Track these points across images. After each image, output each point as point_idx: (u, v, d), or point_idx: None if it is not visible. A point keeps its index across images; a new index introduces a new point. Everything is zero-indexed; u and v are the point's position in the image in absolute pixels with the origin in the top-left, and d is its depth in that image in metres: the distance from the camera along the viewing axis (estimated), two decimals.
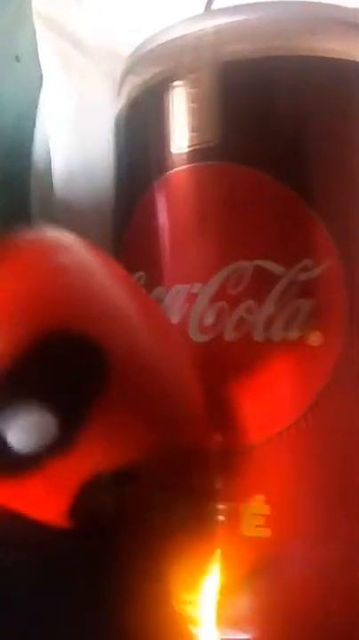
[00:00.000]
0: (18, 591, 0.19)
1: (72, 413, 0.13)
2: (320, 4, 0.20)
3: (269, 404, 0.18)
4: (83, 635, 0.22)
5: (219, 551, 0.19)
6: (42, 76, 0.31)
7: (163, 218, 0.20)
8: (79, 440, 0.13)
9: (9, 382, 0.12)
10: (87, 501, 0.13)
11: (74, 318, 0.13)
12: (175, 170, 0.20)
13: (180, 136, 0.20)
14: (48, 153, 0.30)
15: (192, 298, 0.18)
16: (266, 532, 0.18)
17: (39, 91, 0.32)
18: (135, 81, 0.22)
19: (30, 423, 0.12)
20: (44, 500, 0.14)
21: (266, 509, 0.18)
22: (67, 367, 0.13)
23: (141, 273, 0.20)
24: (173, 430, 0.14)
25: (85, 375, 0.13)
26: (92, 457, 0.13)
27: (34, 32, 0.30)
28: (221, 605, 0.19)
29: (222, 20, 0.20)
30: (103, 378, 0.13)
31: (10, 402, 0.12)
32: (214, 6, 0.29)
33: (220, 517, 0.19)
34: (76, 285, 0.13)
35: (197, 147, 0.19)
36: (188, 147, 0.19)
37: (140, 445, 0.14)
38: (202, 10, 0.30)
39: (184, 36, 0.20)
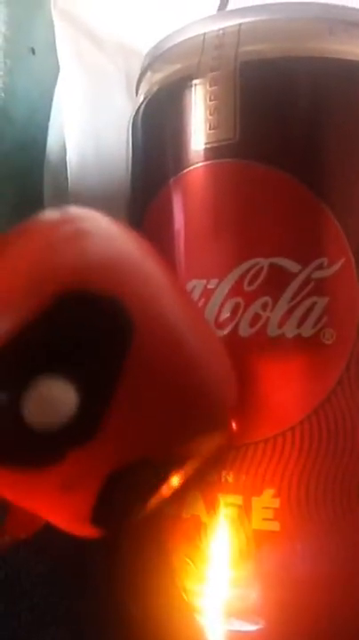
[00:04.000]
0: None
1: (96, 387, 0.12)
2: (337, 5, 0.21)
3: (281, 399, 0.19)
4: (91, 621, 0.22)
5: (228, 543, 0.19)
6: (56, 68, 0.31)
7: (179, 214, 0.20)
8: (106, 420, 0.12)
9: (24, 351, 0.11)
10: (113, 500, 0.13)
11: (94, 278, 0.12)
12: (192, 167, 0.20)
13: (199, 133, 0.20)
14: (62, 146, 0.30)
15: (208, 293, 0.19)
16: (275, 526, 0.18)
17: (54, 83, 0.32)
18: (153, 78, 0.22)
19: (50, 397, 0.11)
20: (64, 500, 0.13)
21: (275, 503, 0.19)
22: (88, 331, 0.12)
23: None
24: (208, 413, 0.13)
25: (108, 338, 0.12)
26: (119, 442, 0.12)
27: (49, 24, 0.31)
28: (230, 597, 0.19)
29: (242, 20, 0.20)
30: (127, 342, 0.12)
31: (24, 374, 0.11)
32: (231, 6, 0.30)
33: (230, 510, 0.19)
34: (96, 248, 0.12)
35: (216, 144, 0.19)
36: (206, 144, 0.20)
37: (172, 430, 0.13)
38: (216, 7, 0.30)
39: (204, 34, 0.20)
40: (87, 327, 0.11)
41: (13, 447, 0.11)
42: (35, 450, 0.12)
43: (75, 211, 0.13)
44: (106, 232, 0.13)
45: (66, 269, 0.12)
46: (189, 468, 0.14)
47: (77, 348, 0.11)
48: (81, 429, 0.12)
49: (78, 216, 0.13)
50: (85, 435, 0.12)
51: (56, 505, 0.13)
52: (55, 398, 0.11)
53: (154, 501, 0.14)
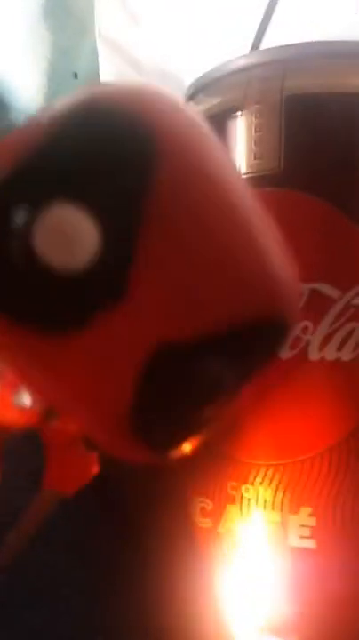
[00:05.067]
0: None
1: (118, 218, 0.10)
2: None
3: (320, 421, 0.19)
4: (122, 629, 0.23)
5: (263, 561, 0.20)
6: None
7: None
8: (135, 266, 0.10)
9: (34, 172, 0.10)
10: (157, 390, 0.10)
11: (114, 96, 0.10)
12: None
13: (242, 163, 0.21)
14: None
15: None
16: (311, 544, 0.19)
17: None
18: (197, 109, 0.23)
19: (65, 226, 0.09)
20: (96, 385, 0.10)
21: (312, 521, 0.19)
22: (104, 149, 0.10)
23: None
24: (265, 285, 0.10)
25: (128, 159, 0.10)
26: (156, 305, 0.10)
27: (93, 51, 0.32)
28: (265, 613, 0.20)
29: (287, 55, 0.21)
30: (151, 166, 0.10)
31: (35, 198, 0.09)
32: (266, 40, 0.31)
33: (268, 527, 0.19)
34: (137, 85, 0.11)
35: (260, 173, 0.20)
36: (250, 173, 0.20)
37: (223, 297, 0.10)
38: (253, 40, 0.31)
39: (250, 68, 0.21)
40: (102, 144, 0.10)
41: (28, 292, 0.10)
42: (54, 302, 0.10)
43: None
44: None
45: (96, 89, 0.10)
46: (245, 373, 0.11)
47: (93, 172, 0.09)
48: (106, 276, 0.10)
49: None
50: (112, 286, 0.10)
51: (87, 392, 0.10)
52: (71, 228, 0.09)
53: (206, 420, 0.11)
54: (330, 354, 0.19)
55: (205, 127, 0.11)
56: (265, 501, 0.19)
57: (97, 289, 0.10)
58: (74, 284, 0.10)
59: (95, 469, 0.14)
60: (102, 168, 0.10)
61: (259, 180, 0.20)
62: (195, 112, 0.11)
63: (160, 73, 0.31)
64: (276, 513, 0.19)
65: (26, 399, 0.12)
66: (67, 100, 0.10)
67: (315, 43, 0.21)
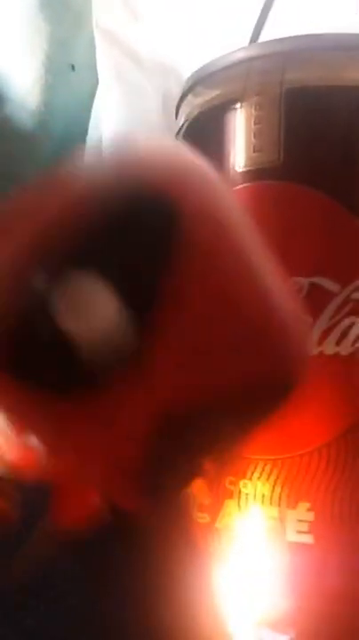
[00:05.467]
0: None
1: (138, 286, 0.10)
2: None
3: (319, 416, 0.19)
4: (120, 625, 0.23)
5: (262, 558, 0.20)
6: (95, 85, 0.32)
7: None
8: (150, 332, 0.10)
9: (58, 240, 0.10)
10: (164, 451, 0.11)
11: (151, 175, 0.10)
12: (235, 188, 0.21)
13: (241, 156, 0.21)
14: None
15: None
16: (309, 539, 0.19)
17: (91, 99, 0.33)
18: (195, 101, 0.23)
19: (85, 294, 0.10)
20: (109, 441, 0.11)
21: (310, 516, 0.19)
22: (127, 222, 0.10)
23: None
24: (275, 351, 0.11)
25: (154, 244, 0.10)
26: (168, 373, 0.10)
27: (90, 42, 0.32)
28: (262, 607, 0.20)
29: (287, 48, 0.21)
30: (173, 234, 0.10)
31: (61, 269, 0.10)
32: (264, 33, 0.30)
33: (266, 522, 0.19)
34: (151, 149, 0.11)
35: (259, 166, 0.20)
36: (249, 166, 0.20)
37: (232, 365, 0.10)
38: (251, 32, 0.31)
39: (249, 60, 0.21)
40: (126, 217, 0.10)
41: (45, 358, 0.10)
42: (69, 366, 0.10)
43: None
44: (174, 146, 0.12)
45: (112, 170, 0.10)
46: (248, 427, 0.12)
47: (115, 242, 0.10)
48: (119, 344, 0.10)
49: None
50: (126, 352, 0.10)
51: (99, 450, 0.11)
52: (90, 298, 0.10)
53: (204, 467, 0.12)
54: (328, 348, 0.19)
55: (232, 200, 0.11)
56: (263, 496, 0.19)
57: (111, 355, 0.10)
58: (89, 349, 0.10)
59: (97, 503, 0.14)
60: (124, 241, 0.10)
61: (259, 172, 0.20)
62: (223, 182, 0.11)
63: (158, 65, 0.31)
64: (274, 508, 0.19)
65: (33, 440, 0.12)
66: (93, 163, 0.11)
67: (316, 35, 0.20)
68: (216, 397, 0.11)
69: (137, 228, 0.10)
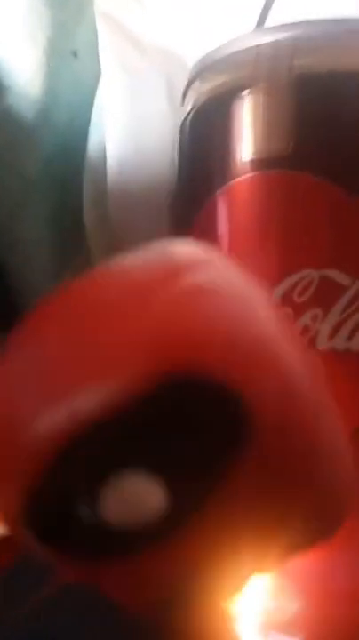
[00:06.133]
0: None
1: (188, 494, 0.10)
2: None
3: None
4: (125, 626, 0.22)
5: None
6: (98, 72, 0.31)
7: (227, 225, 0.20)
8: (188, 529, 0.10)
9: (114, 437, 0.09)
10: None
11: (209, 358, 0.09)
12: (241, 177, 0.20)
13: (249, 144, 0.20)
14: (102, 151, 0.30)
15: None
16: None
17: (95, 87, 0.32)
18: (202, 88, 0.22)
19: (133, 495, 0.10)
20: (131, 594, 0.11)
21: None
22: (193, 425, 0.09)
23: None
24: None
25: (216, 438, 0.09)
26: (195, 552, 0.10)
27: (92, 28, 0.31)
28: (269, 609, 0.19)
29: (296, 33, 0.20)
30: (240, 444, 0.09)
31: (112, 463, 0.09)
32: (270, 18, 0.30)
33: None
34: (214, 313, 0.10)
35: (267, 155, 0.19)
36: (257, 154, 0.20)
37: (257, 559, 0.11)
38: (257, 18, 0.30)
39: (258, 46, 0.20)
40: (193, 420, 0.09)
41: (87, 541, 0.10)
42: (108, 542, 0.10)
43: (188, 253, 0.11)
44: (226, 289, 0.10)
45: (171, 344, 0.09)
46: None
47: (176, 444, 0.09)
48: (159, 532, 0.10)
49: (193, 260, 0.10)
50: (162, 537, 0.10)
51: (127, 596, 0.12)
52: (138, 497, 0.09)
53: None
54: (339, 343, 0.18)
55: (303, 369, 0.11)
56: None
57: (149, 538, 0.10)
58: (130, 533, 0.10)
59: None
60: (179, 441, 0.09)
61: (267, 162, 0.19)
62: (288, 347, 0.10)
63: (162, 52, 0.30)
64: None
65: None
66: (137, 361, 0.09)
67: (326, 20, 0.20)
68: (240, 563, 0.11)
69: (193, 427, 0.09)
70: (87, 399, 0.09)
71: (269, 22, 0.29)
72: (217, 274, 0.10)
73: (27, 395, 0.10)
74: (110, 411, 0.09)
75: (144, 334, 0.09)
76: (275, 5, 0.29)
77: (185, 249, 0.11)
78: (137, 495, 0.10)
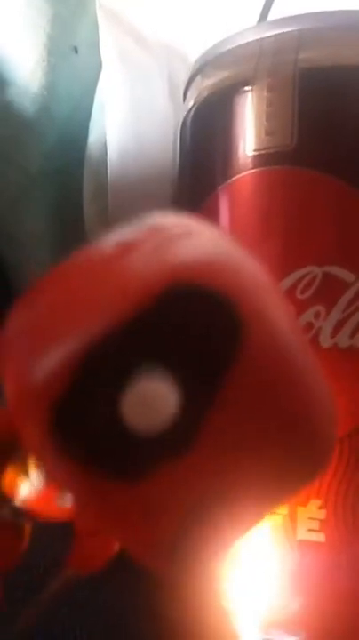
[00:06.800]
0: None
1: (199, 389, 0.11)
2: None
3: None
4: (126, 625, 0.22)
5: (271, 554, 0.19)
6: (98, 67, 0.31)
7: (229, 221, 0.20)
8: (204, 429, 0.11)
9: (128, 343, 0.10)
10: (196, 533, 0.11)
11: (206, 273, 0.11)
12: (244, 173, 0.20)
13: (252, 139, 0.20)
14: (102, 145, 0.30)
15: None
16: (320, 537, 0.18)
17: (95, 82, 0.32)
18: (204, 83, 0.22)
19: (151, 395, 0.10)
20: (146, 524, 0.11)
21: (321, 514, 0.18)
22: (196, 327, 0.11)
23: None
24: (312, 453, 0.12)
25: (215, 339, 0.11)
26: (214, 463, 0.11)
27: (93, 24, 0.31)
28: (271, 606, 0.19)
29: (300, 27, 0.20)
30: (237, 343, 0.11)
31: (127, 365, 0.10)
32: (274, 12, 0.29)
33: (275, 519, 0.19)
34: (208, 245, 0.11)
35: (270, 150, 0.19)
36: (260, 150, 0.20)
37: (269, 467, 0.11)
38: (260, 12, 0.30)
39: (261, 40, 0.20)
40: (195, 323, 0.11)
41: (110, 449, 0.11)
42: (130, 455, 0.11)
43: (174, 218, 0.12)
44: (211, 232, 0.12)
45: (177, 263, 0.11)
46: (275, 505, 0.13)
47: (183, 344, 0.10)
48: (178, 435, 0.11)
49: (182, 219, 0.12)
50: (182, 443, 0.11)
51: (138, 529, 0.12)
52: (156, 396, 0.10)
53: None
54: (342, 341, 0.18)
55: (279, 293, 0.12)
56: None
57: (166, 446, 0.11)
58: (147, 440, 0.11)
59: (117, 548, 0.14)
60: (190, 339, 0.11)
61: (271, 157, 0.19)
62: (267, 276, 0.12)
63: (163, 46, 0.30)
64: (285, 505, 0.19)
65: (68, 501, 0.13)
66: (149, 271, 0.11)
67: (332, 12, 0.20)
68: (251, 483, 0.11)
69: (200, 327, 0.11)
70: (101, 316, 0.10)
71: (272, 16, 0.29)
72: (199, 225, 0.12)
73: (46, 323, 0.11)
74: (122, 323, 0.10)
75: (140, 264, 0.11)
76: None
77: (172, 217, 0.12)
78: (153, 394, 0.10)
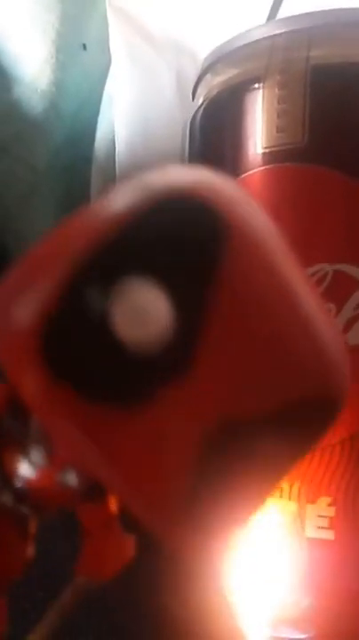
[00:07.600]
0: None
1: (188, 297, 0.10)
2: None
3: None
4: (137, 622, 0.22)
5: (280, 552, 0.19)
6: (107, 64, 0.31)
7: None
8: (199, 344, 0.10)
9: (116, 251, 0.10)
10: (211, 471, 0.11)
11: (190, 187, 0.11)
12: (254, 170, 0.20)
13: (263, 136, 0.20)
14: (111, 141, 0.30)
15: None
16: (329, 535, 0.18)
17: (104, 79, 0.32)
18: (214, 80, 0.22)
19: (141, 303, 0.10)
20: (150, 463, 0.11)
21: (331, 511, 0.18)
22: (180, 235, 0.11)
23: None
24: (319, 369, 0.11)
25: (201, 244, 0.11)
26: (215, 385, 0.10)
27: (102, 21, 0.31)
28: (280, 604, 0.19)
29: (312, 24, 0.20)
30: (222, 249, 0.11)
31: (114, 277, 0.10)
32: (283, 10, 0.29)
33: (284, 517, 0.19)
34: (201, 171, 0.12)
35: (281, 147, 0.19)
36: (271, 147, 0.20)
37: (277, 379, 0.11)
38: (269, 9, 0.30)
39: (272, 37, 0.20)
40: (179, 230, 0.10)
41: (104, 370, 0.10)
42: (126, 376, 0.10)
43: None
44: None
45: (161, 181, 0.11)
46: (295, 453, 0.12)
47: (168, 252, 0.10)
48: (174, 353, 0.10)
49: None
50: (179, 362, 0.10)
51: (143, 469, 0.11)
52: (147, 306, 0.10)
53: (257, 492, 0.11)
54: (353, 338, 0.18)
55: (263, 214, 0.12)
56: (281, 490, 0.19)
57: (164, 365, 0.10)
58: (143, 359, 0.10)
59: (131, 554, 0.13)
60: (176, 247, 0.10)
61: (282, 154, 0.19)
62: (251, 198, 0.12)
63: (172, 44, 0.30)
64: (293, 502, 0.19)
65: (71, 478, 0.12)
66: (132, 192, 0.11)
67: (342, 9, 0.20)
68: (264, 412, 0.11)
69: (186, 236, 0.11)
70: (85, 235, 0.10)
71: (281, 13, 0.29)
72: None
73: (31, 258, 0.11)
74: (105, 237, 0.10)
75: (127, 192, 0.11)
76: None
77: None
78: (144, 304, 0.10)
